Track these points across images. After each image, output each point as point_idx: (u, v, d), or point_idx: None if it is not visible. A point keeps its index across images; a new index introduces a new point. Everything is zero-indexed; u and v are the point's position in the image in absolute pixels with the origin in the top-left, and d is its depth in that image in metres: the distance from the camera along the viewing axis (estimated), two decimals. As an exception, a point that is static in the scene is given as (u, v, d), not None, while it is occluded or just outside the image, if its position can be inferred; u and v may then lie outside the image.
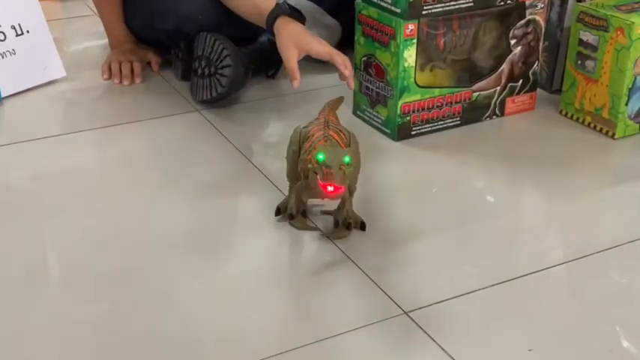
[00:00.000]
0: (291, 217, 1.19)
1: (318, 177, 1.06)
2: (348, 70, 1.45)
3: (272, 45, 1.73)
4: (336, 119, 1.24)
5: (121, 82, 1.73)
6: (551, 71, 1.69)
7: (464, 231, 1.23)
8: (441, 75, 1.50)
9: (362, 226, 1.19)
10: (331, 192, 1.05)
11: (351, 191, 1.17)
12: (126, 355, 0.97)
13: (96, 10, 1.87)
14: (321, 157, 1.05)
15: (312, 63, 1.70)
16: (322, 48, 1.47)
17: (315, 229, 1.17)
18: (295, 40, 1.47)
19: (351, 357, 0.97)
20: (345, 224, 1.17)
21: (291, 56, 1.46)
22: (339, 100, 1.35)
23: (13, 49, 1.69)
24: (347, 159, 1.05)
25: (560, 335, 1.01)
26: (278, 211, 1.22)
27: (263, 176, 1.36)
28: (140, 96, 1.69)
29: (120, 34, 1.80)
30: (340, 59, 1.45)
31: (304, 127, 1.18)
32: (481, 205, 1.32)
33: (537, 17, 1.56)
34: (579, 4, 1.55)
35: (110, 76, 1.75)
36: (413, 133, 1.51)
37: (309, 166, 1.09)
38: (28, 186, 1.36)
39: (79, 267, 1.14)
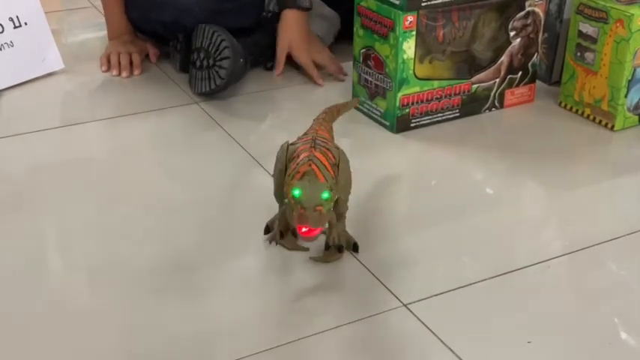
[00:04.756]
0: (280, 237, 1.15)
1: (293, 215, 1.01)
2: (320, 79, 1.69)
3: (269, 38, 1.73)
4: (328, 132, 1.16)
5: (119, 73, 1.72)
6: (550, 63, 1.68)
7: (463, 223, 1.23)
8: (440, 67, 1.50)
9: (354, 248, 1.14)
10: (305, 233, 1.00)
11: (341, 213, 1.12)
12: (124, 347, 0.97)
13: (93, 2, 1.87)
14: (296, 193, 0.99)
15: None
16: (304, 57, 1.70)
17: (306, 249, 1.14)
18: (291, 41, 1.70)
19: (350, 349, 0.97)
20: (336, 247, 1.13)
21: (282, 49, 1.71)
22: (352, 103, 1.28)
23: (11, 42, 1.68)
24: (325, 195, 0.99)
25: (559, 327, 1.01)
26: (267, 230, 1.17)
27: (261, 168, 1.36)
28: (139, 88, 1.69)
29: (120, 25, 1.79)
30: (312, 71, 1.69)
31: (292, 144, 1.11)
32: (480, 198, 1.32)
33: (537, 9, 1.55)
34: (579, -5, 1.54)
35: (109, 68, 1.74)
36: (412, 125, 1.51)
37: (285, 200, 1.04)
38: (28, 178, 1.36)
39: (79, 258, 1.14)
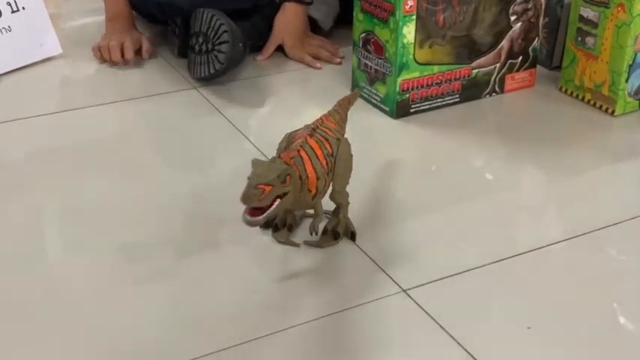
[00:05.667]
0: (275, 230, 1.13)
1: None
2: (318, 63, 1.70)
3: (268, 22, 1.72)
4: (336, 123, 1.13)
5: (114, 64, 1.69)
6: (551, 48, 1.68)
7: (463, 209, 1.23)
8: (440, 52, 1.49)
9: (352, 236, 1.13)
10: (248, 212, 0.96)
11: (340, 203, 1.11)
12: (123, 331, 0.97)
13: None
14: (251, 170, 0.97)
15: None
16: (296, 53, 1.71)
17: (297, 245, 1.12)
18: (285, 39, 1.72)
19: (349, 335, 0.97)
20: (333, 233, 1.11)
21: (273, 42, 1.72)
22: (354, 96, 1.24)
23: (9, 26, 1.67)
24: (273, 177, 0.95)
25: (559, 313, 1.01)
26: (266, 224, 1.14)
27: (260, 153, 1.35)
28: (137, 73, 1.68)
29: (119, 7, 1.77)
30: (308, 60, 1.70)
31: (294, 132, 1.10)
32: (480, 183, 1.32)
33: (537, -7, 1.55)
34: (580, -21, 1.53)
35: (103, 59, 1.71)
36: (412, 110, 1.50)
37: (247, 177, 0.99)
38: (27, 163, 1.35)
39: (77, 243, 1.14)
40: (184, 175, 1.32)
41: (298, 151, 1.03)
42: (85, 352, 0.94)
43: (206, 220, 1.19)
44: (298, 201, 1.03)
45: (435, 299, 1.02)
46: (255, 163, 0.98)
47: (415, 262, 1.10)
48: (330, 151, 1.07)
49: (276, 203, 0.97)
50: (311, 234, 1.09)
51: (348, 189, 1.11)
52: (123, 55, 1.69)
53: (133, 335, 0.96)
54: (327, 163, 1.05)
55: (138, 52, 1.72)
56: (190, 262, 1.10)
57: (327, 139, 1.07)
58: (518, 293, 1.05)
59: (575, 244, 1.15)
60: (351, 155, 1.11)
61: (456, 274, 1.07)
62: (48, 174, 1.31)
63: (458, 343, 0.95)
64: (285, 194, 0.98)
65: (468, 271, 1.08)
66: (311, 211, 1.12)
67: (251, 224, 0.97)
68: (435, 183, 1.31)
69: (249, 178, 0.96)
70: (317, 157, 1.04)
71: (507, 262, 1.10)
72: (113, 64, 1.69)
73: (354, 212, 1.16)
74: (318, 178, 1.03)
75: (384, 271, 1.07)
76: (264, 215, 0.96)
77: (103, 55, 1.70)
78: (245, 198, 0.95)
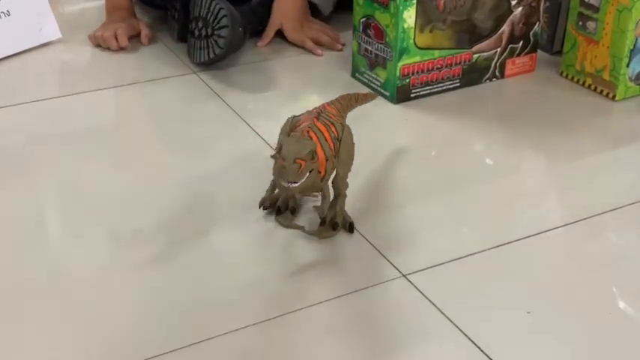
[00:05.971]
0: (278, 213, 1.13)
1: (274, 168, 1.00)
2: (320, 49, 1.68)
3: (268, 6, 1.72)
4: (336, 110, 1.13)
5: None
6: (552, 32, 1.67)
7: (463, 194, 1.23)
8: (440, 36, 1.48)
9: (350, 228, 1.12)
10: (288, 187, 0.99)
11: (340, 190, 1.10)
12: (126, 315, 0.97)
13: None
14: (281, 146, 0.99)
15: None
16: (297, 36, 1.70)
17: (301, 227, 1.12)
18: (285, 22, 1.70)
19: (349, 320, 0.97)
20: (331, 224, 1.11)
21: (272, 25, 1.71)
22: (369, 96, 1.26)
23: (8, 10, 1.67)
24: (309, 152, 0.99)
25: (559, 298, 1.01)
26: (264, 205, 1.15)
27: (259, 138, 1.35)
28: (137, 58, 1.68)
29: None
30: (310, 45, 1.68)
31: (296, 116, 1.10)
32: (480, 168, 1.31)
33: (538, -23, 1.54)
34: (581, -37, 1.53)
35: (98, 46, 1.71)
36: (412, 95, 1.50)
37: (270, 155, 1.02)
38: (27, 148, 1.35)
39: (78, 227, 1.14)
40: (184, 159, 1.32)
41: (307, 131, 1.04)
42: (84, 336, 0.94)
43: (206, 205, 1.19)
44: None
45: (435, 284, 1.02)
46: (285, 139, 1.00)
47: (415, 248, 1.10)
48: (336, 135, 1.07)
49: (307, 175, 0.99)
50: (319, 217, 1.09)
51: (348, 176, 1.11)
52: (118, 43, 1.68)
53: (133, 320, 0.96)
54: (334, 146, 1.06)
55: (137, 38, 1.71)
56: (191, 246, 1.09)
57: (332, 123, 1.08)
58: (518, 278, 1.05)
59: (575, 229, 1.15)
60: (354, 143, 1.11)
61: (455, 259, 1.07)
62: (47, 159, 1.31)
63: (457, 326, 0.95)
64: (311, 170, 1.00)
65: (468, 256, 1.08)
66: (314, 195, 1.11)
67: (290, 191, 1.03)
68: (435, 168, 1.31)
69: (275, 156, 0.98)
70: (325, 139, 1.05)
71: (507, 247, 1.10)
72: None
73: (354, 197, 1.16)
74: (327, 160, 1.04)
75: (384, 256, 1.07)
76: (300, 183, 0.99)
77: (101, 44, 1.69)
78: (284, 173, 0.98)
